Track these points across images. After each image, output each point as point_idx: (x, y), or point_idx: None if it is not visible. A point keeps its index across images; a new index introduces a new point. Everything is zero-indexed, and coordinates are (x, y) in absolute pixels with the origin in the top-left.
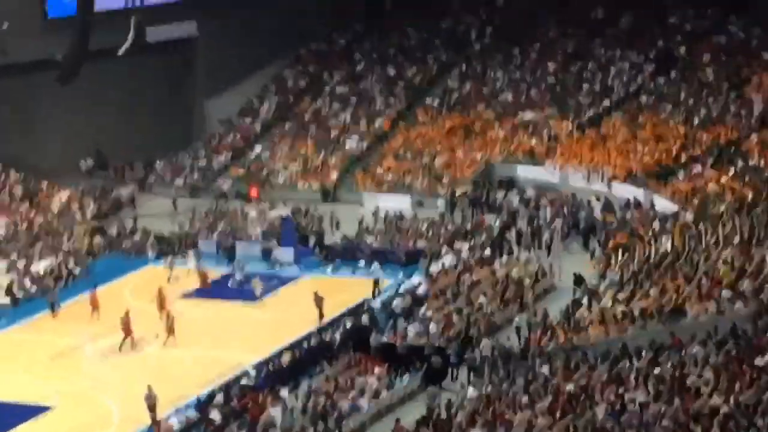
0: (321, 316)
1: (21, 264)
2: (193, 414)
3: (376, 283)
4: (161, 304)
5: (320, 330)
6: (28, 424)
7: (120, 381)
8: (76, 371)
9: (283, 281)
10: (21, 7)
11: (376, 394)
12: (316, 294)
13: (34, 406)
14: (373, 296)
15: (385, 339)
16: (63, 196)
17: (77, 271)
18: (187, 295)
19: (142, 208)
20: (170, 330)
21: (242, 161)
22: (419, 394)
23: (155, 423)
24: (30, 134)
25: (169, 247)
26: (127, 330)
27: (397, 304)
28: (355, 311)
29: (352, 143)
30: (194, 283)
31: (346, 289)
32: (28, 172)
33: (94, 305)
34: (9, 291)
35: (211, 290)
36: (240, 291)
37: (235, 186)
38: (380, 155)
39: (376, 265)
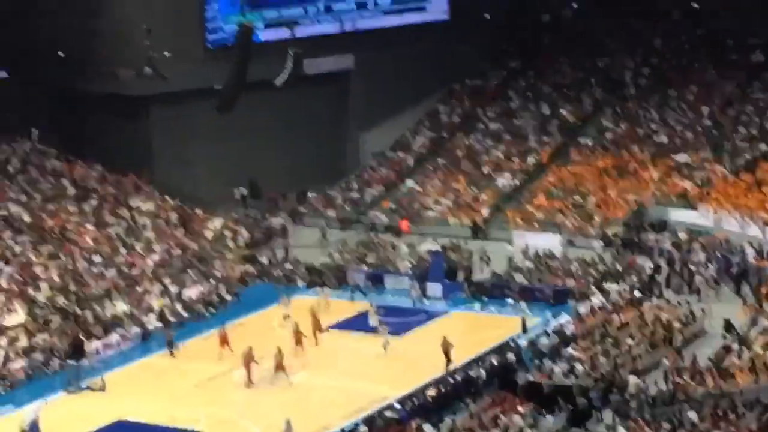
0: (448, 361)
1: (174, 289)
2: None
3: (523, 321)
4: (308, 333)
5: (449, 375)
6: None
7: (266, 409)
8: (223, 397)
9: (431, 316)
10: (182, 35)
11: None
12: (444, 339)
13: (184, 430)
14: (524, 330)
15: (530, 377)
16: (216, 223)
17: (228, 298)
18: (334, 327)
19: (294, 238)
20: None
21: (394, 194)
22: None
23: None
24: (187, 162)
25: (319, 278)
26: (247, 364)
27: (544, 342)
28: (502, 349)
29: (504, 180)
30: (341, 314)
31: (494, 326)
32: (183, 199)
33: (223, 342)
34: (162, 316)
35: (357, 322)
36: (387, 324)
37: (386, 218)
38: (532, 193)
39: (523, 304)
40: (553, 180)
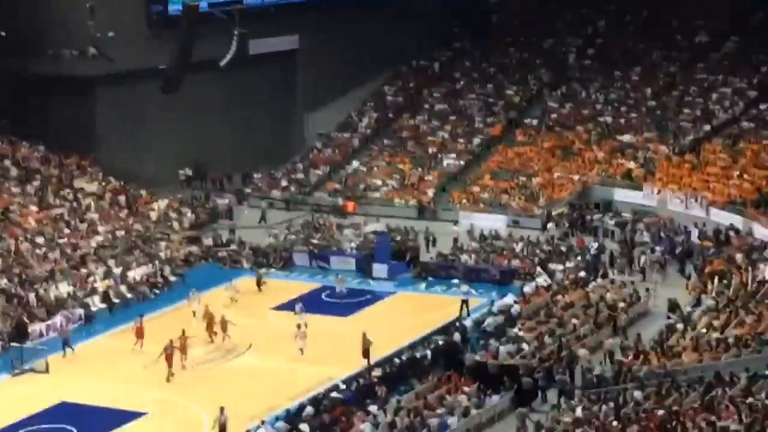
0: (367, 359)
1: (118, 270)
2: (282, 426)
3: (464, 302)
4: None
5: (369, 369)
6: (123, 429)
7: (211, 391)
8: (170, 380)
9: (377, 297)
10: (127, 15)
11: (466, 413)
12: (364, 336)
13: (130, 412)
14: (460, 315)
15: (476, 357)
16: (161, 204)
17: (173, 279)
18: (278, 308)
19: (239, 219)
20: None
21: (340, 175)
22: (509, 415)
23: None
24: (132, 143)
25: (263, 259)
26: (168, 358)
27: (490, 322)
28: (447, 329)
29: (449, 161)
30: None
31: (439, 307)
32: (128, 179)
33: (139, 335)
34: (106, 297)
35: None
36: (332, 305)
37: (331, 199)
38: (477, 173)
39: (465, 286)
40: (499, 160)
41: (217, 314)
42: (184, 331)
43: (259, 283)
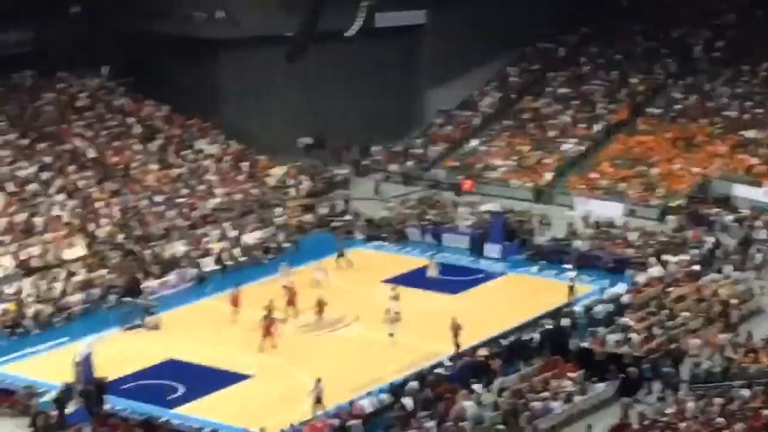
0: (457, 346)
1: (233, 234)
2: (385, 398)
3: (570, 288)
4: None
5: (474, 348)
6: (229, 390)
7: (317, 358)
8: (280, 343)
9: (488, 276)
10: None
11: (570, 398)
12: (453, 320)
13: (236, 374)
14: (569, 300)
15: (583, 344)
16: (279, 171)
17: (286, 245)
18: (389, 280)
19: (355, 190)
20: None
21: (458, 153)
22: (612, 403)
23: (323, 410)
24: (253, 107)
25: (378, 232)
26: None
27: (599, 310)
28: (556, 313)
29: (569, 145)
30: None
31: (550, 290)
32: (248, 144)
33: (235, 304)
34: (219, 259)
35: (412, 278)
36: (442, 282)
37: (448, 177)
38: (596, 160)
39: (572, 273)
40: (619, 148)
41: (306, 292)
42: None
43: (341, 255)
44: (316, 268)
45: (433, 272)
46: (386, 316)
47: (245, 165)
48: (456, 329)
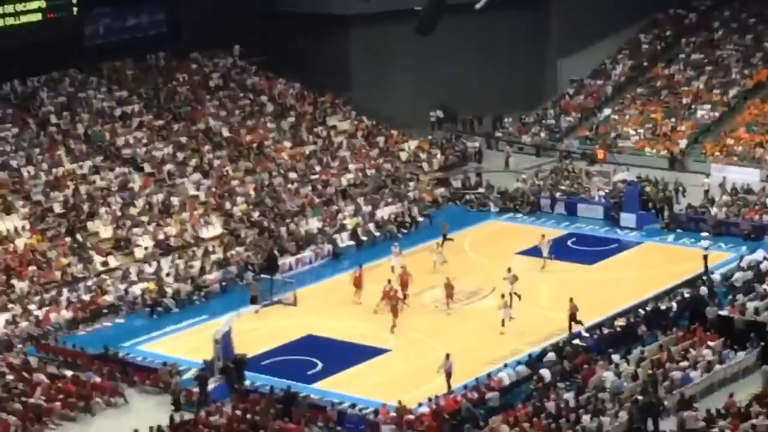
0: (575, 323)
1: (367, 209)
2: (523, 370)
3: (705, 258)
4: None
5: (612, 318)
6: (367, 364)
7: (454, 331)
8: (414, 318)
9: (624, 246)
10: None
11: (709, 367)
12: (571, 301)
13: (374, 348)
14: (705, 270)
15: (722, 312)
16: (411, 145)
17: (420, 219)
18: (523, 252)
19: (488, 162)
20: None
21: (590, 123)
22: (753, 372)
23: (449, 390)
24: (384, 83)
25: (512, 204)
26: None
27: (738, 277)
28: (694, 282)
29: (703, 112)
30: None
31: (687, 259)
32: (380, 119)
33: (357, 285)
34: (354, 234)
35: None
36: (578, 252)
37: (581, 147)
38: (731, 126)
39: (707, 242)
40: (755, 113)
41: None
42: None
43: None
44: (432, 251)
45: (545, 248)
46: (501, 301)
47: (378, 140)
48: (573, 312)
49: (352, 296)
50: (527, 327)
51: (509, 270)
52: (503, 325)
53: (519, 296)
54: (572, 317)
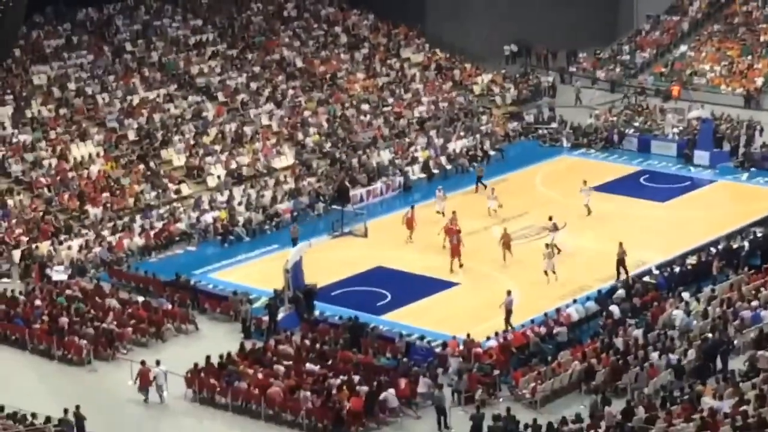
0: (622, 272)
1: (439, 142)
2: (592, 306)
3: None
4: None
5: (684, 257)
6: (436, 297)
7: (525, 266)
8: (484, 252)
9: (696, 184)
10: None
11: None
12: (620, 246)
13: (443, 281)
14: None
15: None
16: (485, 78)
17: (492, 153)
18: (595, 188)
19: (562, 97)
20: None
21: (666, 59)
22: None
23: (509, 326)
24: (458, 16)
25: (585, 139)
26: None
27: None
28: (767, 221)
29: None
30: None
31: (760, 198)
32: (454, 52)
33: (410, 226)
34: (426, 167)
35: (621, 186)
36: (651, 189)
37: (655, 83)
38: None
39: None
40: None
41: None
42: (454, 213)
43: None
44: (489, 197)
45: (585, 197)
46: (545, 251)
47: (451, 73)
48: (622, 257)
49: (406, 237)
50: (596, 262)
51: (550, 218)
52: (546, 274)
53: (559, 250)
54: (620, 262)
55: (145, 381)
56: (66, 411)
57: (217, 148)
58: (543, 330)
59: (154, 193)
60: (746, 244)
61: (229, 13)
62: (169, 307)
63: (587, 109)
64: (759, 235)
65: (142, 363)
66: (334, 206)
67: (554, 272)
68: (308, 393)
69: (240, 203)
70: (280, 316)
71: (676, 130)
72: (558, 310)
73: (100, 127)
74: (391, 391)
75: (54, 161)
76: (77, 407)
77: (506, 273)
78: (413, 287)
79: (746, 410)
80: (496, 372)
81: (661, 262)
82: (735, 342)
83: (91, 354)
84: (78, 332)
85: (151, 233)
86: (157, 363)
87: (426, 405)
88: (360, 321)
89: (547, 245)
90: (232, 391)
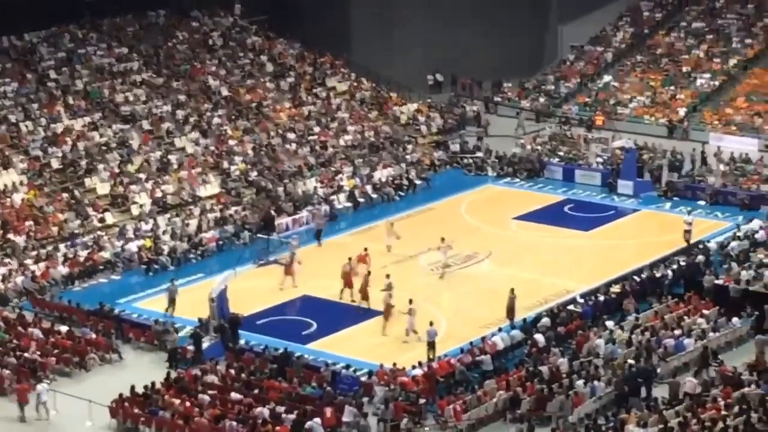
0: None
1: (365, 171)
2: (517, 335)
3: (687, 232)
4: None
5: (608, 285)
6: (364, 325)
7: (449, 295)
8: (411, 281)
9: (620, 213)
10: None
11: (703, 335)
12: (512, 291)
13: (371, 310)
14: (686, 242)
15: (718, 281)
16: (411, 107)
17: (418, 182)
18: (520, 218)
19: (487, 127)
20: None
21: (590, 89)
22: (747, 341)
23: (430, 359)
24: (384, 44)
25: (510, 168)
26: (347, 281)
27: (734, 246)
28: (690, 250)
29: (703, 80)
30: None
31: (683, 227)
32: (379, 81)
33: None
34: (351, 196)
35: (543, 215)
36: (574, 219)
37: (580, 113)
38: (731, 95)
39: (689, 216)
40: (755, 83)
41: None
42: (366, 250)
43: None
44: (388, 233)
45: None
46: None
47: (376, 102)
48: (512, 304)
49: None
50: (523, 291)
51: (443, 240)
52: (407, 333)
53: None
54: (510, 308)
55: (23, 398)
56: None
57: (142, 176)
58: (468, 359)
59: (78, 222)
60: (669, 272)
61: (155, 41)
62: (93, 336)
63: (514, 138)
64: (682, 263)
65: (18, 381)
66: (259, 235)
67: (415, 332)
68: (234, 422)
69: (165, 232)
70: (205, 345)
71: (600, 159)
72: (483, 339)
73: (24, 156)
74: (317, 420)
75: None
76: None
77: (432, 302)
78: (339, 316)
79: None
80: (422, 400)
81: (586, 290)
82: (659, 370)
83: (13, 384)
84: (0, 362)
85: (76, 262)
86: (41, 380)
87: None
88: (289, 351)
89: (410, 301)
90: (157, 422)
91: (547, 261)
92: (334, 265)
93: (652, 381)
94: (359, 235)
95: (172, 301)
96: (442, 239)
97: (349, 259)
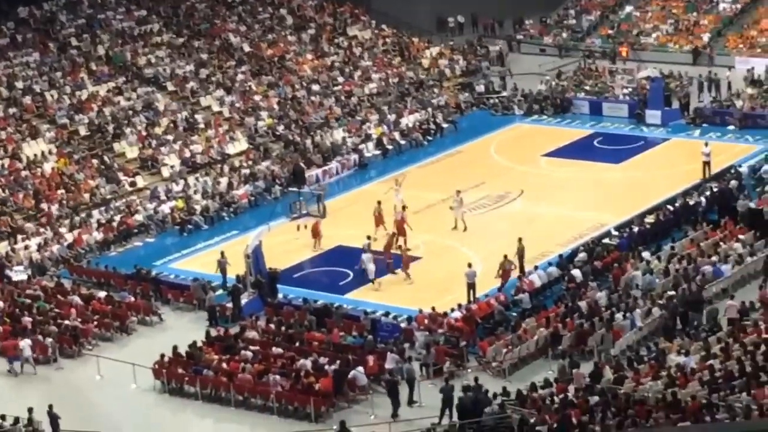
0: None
1: (391, 117)
2: (554, 271)
3: (706, 164)
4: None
5: (642, 216)
6: (400, 271)
7: (483, 236)
8: (442, 223)
9: (650, 143)
10: None
11: (740, 260)
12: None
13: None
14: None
15: (751, 204)
16: (433, 51)
17: (445, 125)
18: (549, 154)
19: (511, 65)
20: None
21: (612, 21)
22: None
23: (469, 300)
24: None
25: (537, 105)
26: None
27: (766, 169)
28: (722, 175)
29: (725, 4)
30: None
31: (714, 154)
32: (400, 27)
33: (378, 223)
34: (380, 143)
35: (574, 150)
36: (604, 151)
37: (604, 45)
38: (754, 17)
39: (707, 148)
40: None
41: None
42: (405, 207)
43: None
44: (396, 190)
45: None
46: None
47: (398, 48)
48: (521, 253)
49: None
50: (555, 228)
51: (458, 193)
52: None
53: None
54: (520, 257)
55: (10, 353)
56: (30, 410)
57: (170, 137)
58: (506, 298)
59: (109, 187)
60: (703, 199)
61: (173, 1)
62: (132, 299)
63: (539, 75)
64: (715, 190)
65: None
66: (290, 188)
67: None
68: (277, 376)
69: (196, 191)
70: (244, 301)
71: (626, 90)
72: (520, 277)
73: (51, 125)
74: (360, 369)
75: (6, 161)
76: (50, 406)
77: (467, 244)
78: (376, 264)
79: (712, 365)
80: (463, 343)
81: (620, 222)
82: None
83: (57, 351)
84: (42, 330)
85: (110, 227)
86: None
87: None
88: (325, 301)
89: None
90: (201, 380)
91: (579, 196)
92: (367, 215)
93: (702, 309)
94: (388, 182)
95: (223, 272)
96: (458, 191)
97: (378, 203)
